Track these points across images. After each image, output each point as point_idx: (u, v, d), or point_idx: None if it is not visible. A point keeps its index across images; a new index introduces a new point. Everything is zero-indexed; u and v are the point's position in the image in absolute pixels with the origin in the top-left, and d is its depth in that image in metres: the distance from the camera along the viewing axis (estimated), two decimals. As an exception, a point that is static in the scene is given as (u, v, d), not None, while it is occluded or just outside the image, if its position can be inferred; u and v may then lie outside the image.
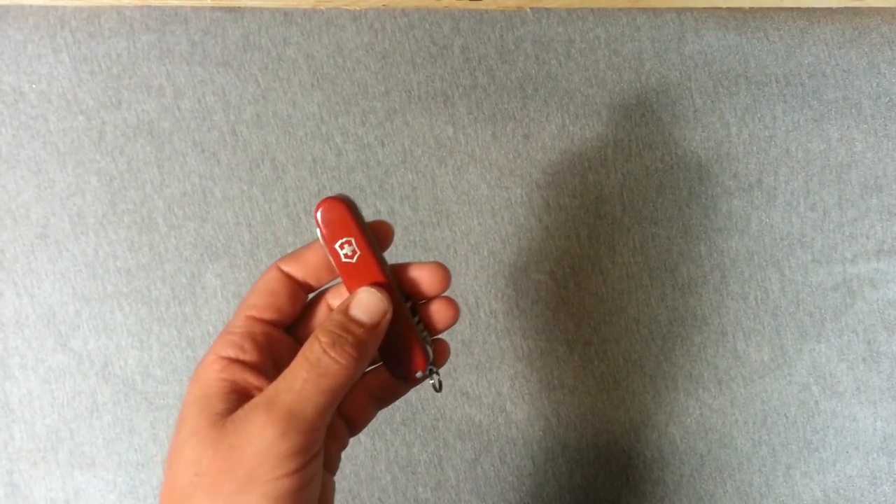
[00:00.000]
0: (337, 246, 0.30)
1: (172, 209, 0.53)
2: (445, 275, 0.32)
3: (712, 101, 0.55)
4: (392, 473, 0.52)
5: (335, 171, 0.53)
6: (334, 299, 0.33)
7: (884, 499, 0.54)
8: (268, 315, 0.31)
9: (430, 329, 0.33)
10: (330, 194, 0.31)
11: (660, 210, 0.54)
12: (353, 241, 0.30)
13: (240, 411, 0.27)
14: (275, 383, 0.28)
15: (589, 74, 0.55)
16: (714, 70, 0.55)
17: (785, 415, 0.54)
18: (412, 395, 0.52)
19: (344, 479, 0.52)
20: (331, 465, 0.33)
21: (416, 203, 0.53)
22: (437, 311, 0.33)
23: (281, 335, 0.32)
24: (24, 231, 0.52)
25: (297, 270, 0.31)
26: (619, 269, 0.54)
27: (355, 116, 0.54)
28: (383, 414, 0.52)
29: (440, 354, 0.34)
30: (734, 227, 0.55)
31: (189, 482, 0.27)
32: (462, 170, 0.54)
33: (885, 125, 0.56)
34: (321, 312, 0.33)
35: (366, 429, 0.52)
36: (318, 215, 0.30)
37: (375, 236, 0.31)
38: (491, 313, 0.54)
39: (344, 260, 0.30)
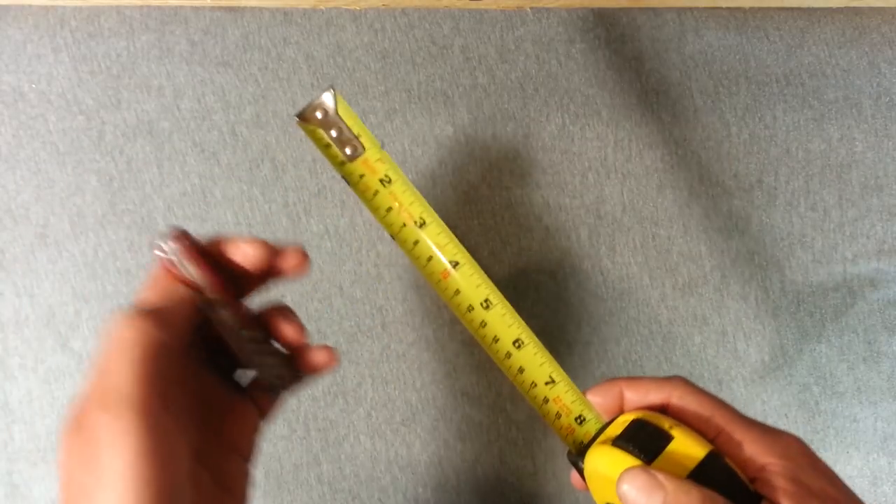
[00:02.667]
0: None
1: (172, 209, 0.53)
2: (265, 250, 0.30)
3: (712, 101, 0.55)
4: (392, 473, 0.52)
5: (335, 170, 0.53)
6: None
7: (884, 499, 0.54)
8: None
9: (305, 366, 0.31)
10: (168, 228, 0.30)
11: (660, 210, 0.54)
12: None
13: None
14: None
15: (589, 74, 0.55)
16: (714, 70, 0.55)
17: (785, 415, 0.54)
18: (412, 395, 0.52)
19: (344, 479, 0.52)
20: (244, 451, 0.31)
21: (416, 203, 0.53)
22: (314, 357, 0.31)
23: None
24: (24, 231, 0.52)
25: None
26: (619, 269, 0.54)
27: (355, 116, 0.54)
28: (383, 414, 0.52)
29: (309, 367, 0.31)
30: (734, 227, 0.55)
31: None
32: (462, 170, 0.54)
33: (886, 125, 0.56)
34: None
35: (366, 429, 0.52)
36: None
37: (291, 262, 0.30)
38: (491, 313, 0.54)
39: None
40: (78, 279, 0.52)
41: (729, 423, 0.30)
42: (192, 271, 0.29)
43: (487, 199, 0.54)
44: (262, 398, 0.32)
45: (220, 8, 0.54)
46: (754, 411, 0.54)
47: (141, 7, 0.53)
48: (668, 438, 0.29)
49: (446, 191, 0.54)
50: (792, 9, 0.56)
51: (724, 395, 0.54)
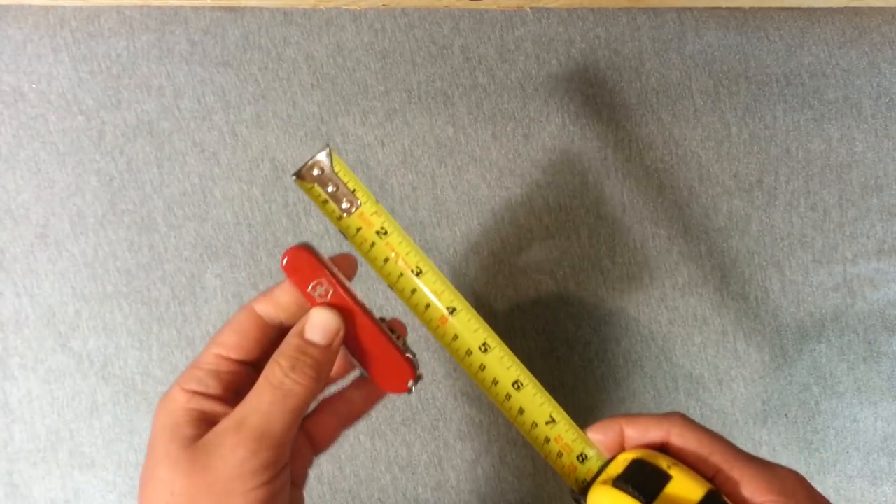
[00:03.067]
0: (309, 289, 0.32)
1: (172, 209, 0.53)
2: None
3: (713, 101, 0.55)
4: (392, 473, 0.52)
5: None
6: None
7: (884, 499, 0.54)
8: (235, 355, 0.32)
9: None
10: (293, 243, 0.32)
11: (660, 210, 0.54)
12: (324, 281, 0.32)
13: (210, 435, 0.29)
14: (241, 406, 0.30)
15: (589, 74, 0.55)
16: (714, 70, 0.55)
17: (785, 415, 0.54)
18: (412, 395, 0.52)
19: (344, 479, 0.52)
20: (298, 481, 0.34)
21: (416, 203, 0.53)
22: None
23: (247, 372, 0.33)
24: (24, 231, 0.52)
25: (271, 311, 0.33)
26: (619, 269, 0.54)
27: (355, 116, 0.54)
28: (383, 414, 0.52)
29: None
30: (734, 227, 0.55)
31: (165, 503, 0.28)
32: (462, 170, 0.54)
33: (886, 125, 0.56)
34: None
35: (366, 429, 0.52)
36: (286, 264, 0.32)
37: (342, 269, 0.33)
38: (491, 313, 0.54)
39: (319, 300, 0.32)
40: (78, 279, 0.52)
41: (727, 460, 0.30)
42: (328, 265, 0.32)
43: (487, 199, 0.54)
44: (322, 430, 0.35)
45: (220, 8, 0.54)
46: (754, 411, 0.54)
47: (141, 7, 0.53)
48: (666, 478, 0.29)
49: (446, 191, 0.54)
50: (792, 9, 0.56)
51: (724, 396, 0.54)
